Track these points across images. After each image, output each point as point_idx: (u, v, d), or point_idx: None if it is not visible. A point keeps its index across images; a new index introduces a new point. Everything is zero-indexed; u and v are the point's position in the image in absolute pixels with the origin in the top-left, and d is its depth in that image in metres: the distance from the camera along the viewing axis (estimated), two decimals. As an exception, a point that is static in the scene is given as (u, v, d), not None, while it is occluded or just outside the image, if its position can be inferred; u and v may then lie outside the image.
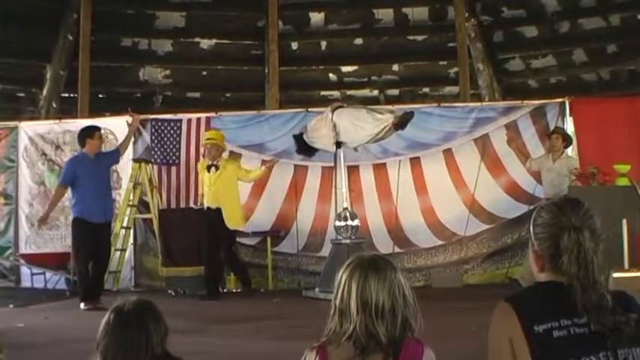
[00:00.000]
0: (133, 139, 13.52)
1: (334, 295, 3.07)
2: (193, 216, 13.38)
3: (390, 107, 13.64)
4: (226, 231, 12.57)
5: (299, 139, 12.87)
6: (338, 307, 3.03)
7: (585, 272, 2.76)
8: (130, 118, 12.97)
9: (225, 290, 13.49)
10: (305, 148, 12.92)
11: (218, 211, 12.49)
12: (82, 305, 11.07)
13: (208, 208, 12.60)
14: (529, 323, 2.73)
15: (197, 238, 12.90)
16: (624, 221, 9.82)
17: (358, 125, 12.05)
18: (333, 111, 12.19)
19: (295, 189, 14.04)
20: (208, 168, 12.73)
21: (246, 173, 13.09)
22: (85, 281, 11.36)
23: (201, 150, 14.00)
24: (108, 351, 3.00)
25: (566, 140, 12.52)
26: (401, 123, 12.06)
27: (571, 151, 13.05)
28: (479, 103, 15.68)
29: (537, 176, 12.95)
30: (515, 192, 13.74)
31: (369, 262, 3.08)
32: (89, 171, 11.48)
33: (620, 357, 2.69)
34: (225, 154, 13.20)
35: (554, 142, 12.44)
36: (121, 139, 13.60)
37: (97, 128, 12.10)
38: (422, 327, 3.05)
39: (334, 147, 12.25)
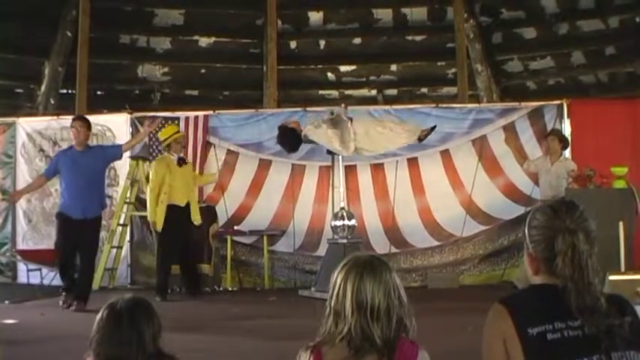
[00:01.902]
0: (130, 137, 13.57)
1: (329, 296, 3.07)
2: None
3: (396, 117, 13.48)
4: (191, 228, 12.50)
5: (286, 130, 12.47)
6: (333, 308, 3.03)
7: (580, 275, 2.77)
8: (147, 122, 12.57)
9: (221, 288, 13.50)
10: (291, 142, 12.46)
11: (187, 207, 12.37)
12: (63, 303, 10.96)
13: (175, 206, 12.23)
14: (523, 325, 2.74)
15: (196, 235, 12.93)
16: (621, 224, 9.82)
17: (384, 134, 12.00)
18: (350, 119, 12.04)
19: (292, 188, 14.03)
20: (179, 162, 12.48)
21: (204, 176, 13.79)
22: (66, 275, 11.08)
23: (199, 147, 14.08)
24: (100, 347, 3.00)
25: (563, 142, 12.51)
26: (425, 136, 12.25)
27: (568, 153, 13.06)
28: (477, 104, 15.69)
29: (534, 178, 12.97)
30: (513, 193, 13.75)
31: (365, 262, 3.08)
32: (70, 165, 11.05)
33: (613, 360, 2.70)
34: None
35: (551, 143, 12.44)
36: (119, 137, 13.64)
37: (76, 117, 11.85)
38: (416, 328, 3.06)
39: (347, 152, 12.09)
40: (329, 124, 11.98)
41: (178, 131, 13.02)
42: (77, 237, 10.86)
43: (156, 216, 12.18)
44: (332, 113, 12.48)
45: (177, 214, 12.18)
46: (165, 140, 12.67)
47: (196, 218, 12.45)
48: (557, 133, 12.75)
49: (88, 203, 11.01)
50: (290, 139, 12.33)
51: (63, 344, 7.82)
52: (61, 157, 11.31)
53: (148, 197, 12.47)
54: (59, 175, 11.27)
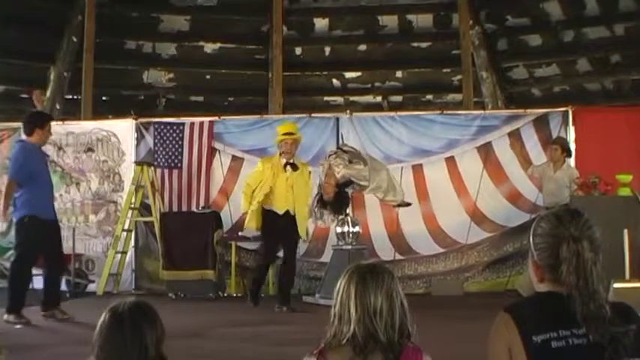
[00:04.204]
0: (135, 142, 13.67)
1: (334, 303, 3.11)
2: (195, 220, 13.42)
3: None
4: (294, 240, 11.72)
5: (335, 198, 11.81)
6: (337, 313, 3.06)
7: (584, 282, 2.76)
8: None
9: (225, 294, 13.50)
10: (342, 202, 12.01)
11: (289, 216, 11.42)
12: (7, 317, 9.75)
13: (272, 212, 11.42)
14: (528, 333, 2.73)
15: (201, 241, 12.94)
16: (626, 231, 9.81)
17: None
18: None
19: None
20: (285, 167, 11.48)
21: (309, 192, 11.95)
22: (24, 288, 10.04)
23: (204, 153, 14.10)
24: (101, 351, 2.98)
25: (566, 151, 12.49)
26: (398, 205, 12.51)
27: (574, 162, 13.07)
28: (482, 111, 15.72)
29: (539, 185, 12.95)
30: (517, 200, 13.74)
31: (367, 268, 3.13)
32: (42, 164, 10.40)
33: (618, 368, 2.69)
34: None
35: (553, 152, 12.45)
36: (124, 142, 13.67)
37: (51, 118, 11.14)
38: (417, 335, 3.07)
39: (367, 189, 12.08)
40: (352, 159, 11.89)
41: (289, 133, 11.73)
42: (49, 240, 10.13)
43: (248, 214, 11.61)
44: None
45: (272, 220, 11.43)
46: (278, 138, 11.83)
47: (301, 232, 11.58)
48: (560, 142, 12.72)
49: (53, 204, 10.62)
50: (341, 200, 11.97)
51: (66, 349, 7.81)
52: (30, 156, 10.21)
53: (243, 191, 11.82)
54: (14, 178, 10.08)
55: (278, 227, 11.40)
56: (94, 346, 3.00)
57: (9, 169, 10.54)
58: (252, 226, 11.75)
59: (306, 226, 11.87)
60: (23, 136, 10.55)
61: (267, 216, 11.44)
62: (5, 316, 9.76)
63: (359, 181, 11.91)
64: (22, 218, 9.97)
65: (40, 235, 9.93)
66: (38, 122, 10.40)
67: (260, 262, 12.26)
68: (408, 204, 12.70)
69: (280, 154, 11.63)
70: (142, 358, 2.96)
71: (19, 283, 9.98)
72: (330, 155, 11.97)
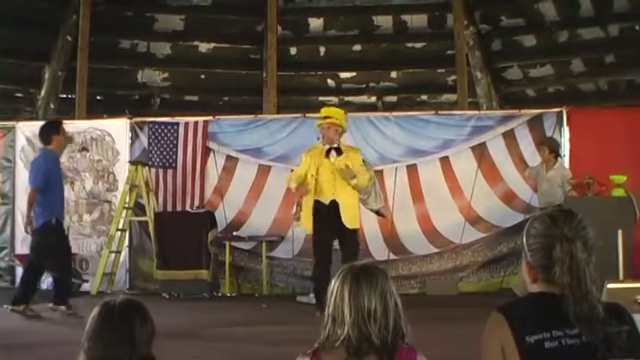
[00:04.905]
0: (129, 142, 13.74)
1: (327, 304, 3.10)
2: (189, 219, 13.42)
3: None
4: (348, 232, 10.67)
5: None
6: (331, 314, 3.05)
7: (577, 283, 2.77)
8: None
9: (219, 294, 13.49)
10: None
11: (335, 206, 10.55)
12: (16, 307, 10.48)
13: (320, 202, 10.64)
14: (521, 334, 2.74)
15: (195, 241, 12.94)
16: (620, 232, 9.84)
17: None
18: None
19: (292, 194, 14.00)
20: (327, 152, 10.68)
21: (364, 171, 10.83)
22: (36, 285, 10.94)
23: (199, 153, 14.12)
24: (91, 345, 2.98)
25: (554, 151, 12.51)
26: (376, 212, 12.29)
27: (568, 162, 13.10)
28: (476, 112, 15.73)
29: (533, 185, 12.99)
30: (512, 200, 13.77)
31: (361, 269, 3.12)
32: (58, 169, 10.99)
33: (610, 368, 2.70)
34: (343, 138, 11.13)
35: (542, 154, 12.53)
36: (118, 142, 13.71)
37: (61, 122, 11.51)
38: (412, 335, 3.07)
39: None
40: None
41: (325, 117, 10.84)
42: (68, 241, 11.16)
43: (303, 212, 10.82)
44: None
45: (318, 212, 10.65)
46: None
47: (353, 223, 10.70)
48: (547, 143, 12.76)
49: None
50: None
51: (62, 349, 7.80)
52: (53, 164, 10.79)
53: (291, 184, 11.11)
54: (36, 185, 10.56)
55: (324, 219, 10.57)
56: (84, 341, 3.00)
57: (32, 176, 10.82)
58: (307, 227, 10.97)
59: (356, 215, 10.86)
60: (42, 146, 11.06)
61: (314, 208, 10.67)
62: (10, 307, 10.48)
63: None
64: (49, 221, 10.51)
65: (62, 237, 10.84)
66: (53, 129, 10.92)
67: (314, 262, 11.09)
68: (384, 216, 12.72)
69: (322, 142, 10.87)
70: (131, 353, 2.95)
71: (33, 279, 10.83)
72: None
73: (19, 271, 14.16)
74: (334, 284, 3.09)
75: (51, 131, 10.88)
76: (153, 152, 14.33)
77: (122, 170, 14.05)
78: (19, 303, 10.47)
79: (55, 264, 10.81)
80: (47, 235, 10.53)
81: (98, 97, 19.03)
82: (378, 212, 12.29)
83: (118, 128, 14.59)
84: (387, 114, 15.12)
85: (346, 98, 19.78)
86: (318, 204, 10.61)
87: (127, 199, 13.93)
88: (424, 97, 19.95)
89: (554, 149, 12.54)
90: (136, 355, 2.95)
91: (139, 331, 2.99)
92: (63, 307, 10.56)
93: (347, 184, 10.49)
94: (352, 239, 10.74)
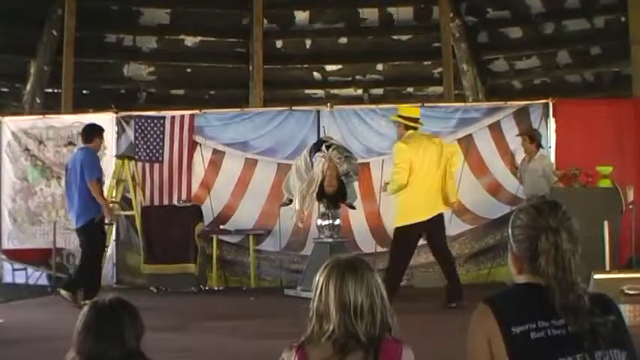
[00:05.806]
0: (115, 136, 13.78)
1: (312, 298, 3.09)
2: (176, 213, 13.40)
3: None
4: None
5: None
6: (316, 309, 3.05)
7: (563, 274, 2.77)
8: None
9: (206, 288, 13.48)
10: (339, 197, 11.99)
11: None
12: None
13: None
14: (507, 325, 2.74)
15: (182, 235, 12.92)
16: (606, 223, 9.86)
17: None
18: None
19: (278, 187, 13.96)
20: None
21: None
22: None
23: (185, 147, 14.14)
24: (81, 342, 3.02)
25: (534, 140, 12.49)
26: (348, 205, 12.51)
27: (554, 154, 13.12)
28: (463, 104, 15.72)
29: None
30: (498, 192, 13.77)
31: (346, 263, 3.10)
32: None
33: (597, 359, 2.70)
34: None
35: (523, 144, 12.52)
36: (105, 136, 13.69)
37: (104, 129, 12.05)
38: (398, 328, 3.07)
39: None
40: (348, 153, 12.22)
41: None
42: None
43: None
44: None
45: None
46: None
47: (445, 205, 11.07)
48: (528, 133, 12.75)
49: None
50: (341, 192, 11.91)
51: (49, 344, 7.80)
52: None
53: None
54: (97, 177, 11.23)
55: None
56: (75, 338, 3.03)
57: (88, 172, 11.10)
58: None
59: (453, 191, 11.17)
60: (82, 145, 11.64)
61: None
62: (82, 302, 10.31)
63: (354, 175, 12.05)
64: (94, 218, 11.06)
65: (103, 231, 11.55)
66: (97, 132, 11.61)
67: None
68: (353, 207, 12.84)
69: None
70: (120, 349, 2.98)
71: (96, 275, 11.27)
72: (327, 148, 11.95)
73: (6, 266, 14.14)
74: (319, 278, 3.09)
75: (95, 132, 11.57)
76: (139, 146, 14.31)
77: (109, 164, 14.02)
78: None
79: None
80: (96, 229, 11.19)
81: (84, 92, 19.00)
82: (349, 205, 12.44)
83: (104, 122, 14.49)
84: (373, 106, 15.11)
85: (332, 91, 19.80)
86: None
87: (114, 194, 13.88)
88: (410, 89, 19.99)
89: (535, 138, 12.52)
90: (124, 351, 2.98)
91: (128, 328, 3.04)
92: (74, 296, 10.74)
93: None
94: (437, 226, 11.21)
